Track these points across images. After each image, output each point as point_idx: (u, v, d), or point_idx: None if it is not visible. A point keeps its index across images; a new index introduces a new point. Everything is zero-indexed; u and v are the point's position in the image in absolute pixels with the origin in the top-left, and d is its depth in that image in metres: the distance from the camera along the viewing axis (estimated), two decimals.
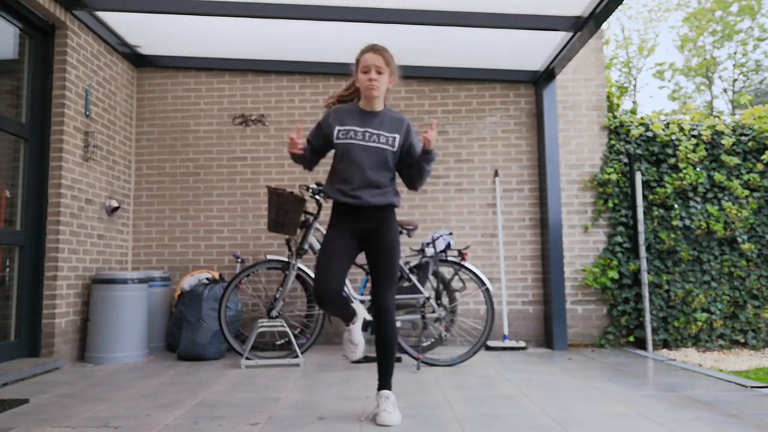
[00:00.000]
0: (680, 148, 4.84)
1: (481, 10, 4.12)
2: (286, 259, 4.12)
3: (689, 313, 4.76)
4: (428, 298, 3.96)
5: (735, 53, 18.12)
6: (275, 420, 2.58)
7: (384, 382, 2.65)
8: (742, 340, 4.78)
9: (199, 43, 4.88)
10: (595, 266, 4.86)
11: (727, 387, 3.23)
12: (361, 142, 2.61)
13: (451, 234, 4.15)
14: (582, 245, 4.95)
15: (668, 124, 5.05)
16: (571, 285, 4.91)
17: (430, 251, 4.04)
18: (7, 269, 3.84)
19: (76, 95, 4.23)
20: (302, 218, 4.14)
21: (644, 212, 4.85)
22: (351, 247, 2.65)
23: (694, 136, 4.96)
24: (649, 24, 21.14)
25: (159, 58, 5.18)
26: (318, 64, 5.15)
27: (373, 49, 2.67)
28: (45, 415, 2.68)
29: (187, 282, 4.54)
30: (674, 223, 4.78)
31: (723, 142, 4.86)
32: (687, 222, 4.80)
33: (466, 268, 4.00)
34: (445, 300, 4.37)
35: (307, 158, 2.73)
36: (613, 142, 4.99)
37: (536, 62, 4.87)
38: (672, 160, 4.89)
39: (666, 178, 4.86)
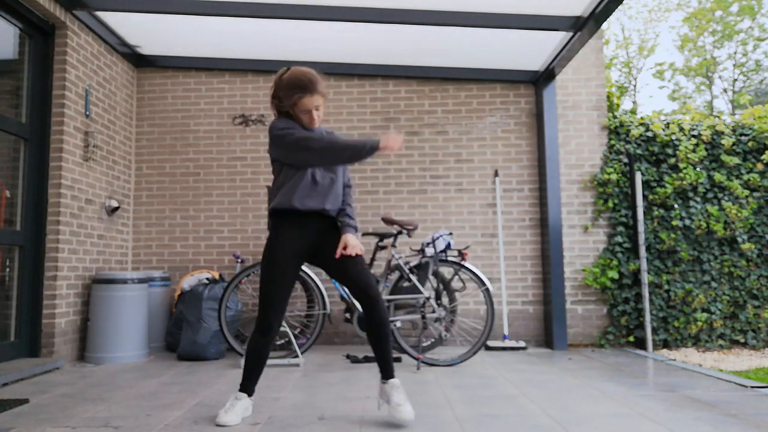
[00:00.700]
0: (680, 148, 4.84)
1: (481, 10, 4.13)
2: None
3: (689, 313, 4.76)
4: (428, 298, 3.96)
5: (735, 53, 18.13)
6: (275, 420, 2.58)
7: (390, 371, 2.59)
8: (742, 340, 4.78)
9: (199, 43, 4.88)
10: (595, 266, 4.86)
11: (727, 387, 3.23)
12: None
13: (451, 234, 4.15)
14: (582, 245, 4.95)
15: (668, 124, 5.05)
16: (571, 285, 4.91)
17: (430, 251, 4.04)
18: (7, 269, 3.84)
19: (76, 95, 4.23)
20: None
21: (644, 212, 4.85)
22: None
23: (694, 136, 4.96)
24: (649, 24, 21.15)
25: (159, 58, 5.18)
26: (318, 64, 5.13)
27: (312, 90, 2.65)
28: (45, 415, 2.68)
29: (187, 282, 4.54)
30: (674, 223, 4.78)
31: (723, 142, 4.86)
32: (687, 222, 4.80)
33: (466, 268, 4.00)
34: (445, 300, 4.38)
35: None
36: (613, 142, 4.99)
37: (536, 62, 4.87)
38: (672, 160, 4.89)
39: (666, 178, 4.86)
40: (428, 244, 4.08)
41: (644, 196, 4.87)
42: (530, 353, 4.50)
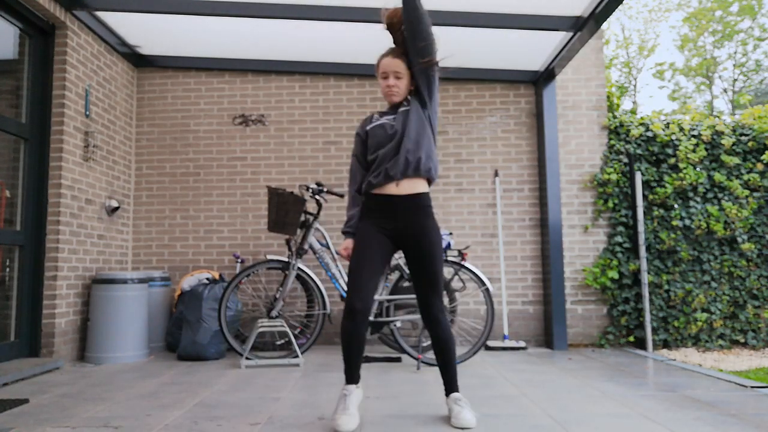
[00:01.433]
0: (680, 148, 4.84)
1: (481, 10, 4.13)
2: (286, 259, 4.12)
3: (689, 313, 4.76)
4: None
5: (735, 53, 18.13)
6: (275, 420, 2.58)
7: (451, 386, 2.61)
8: (742, 340, 4.78)
9: (199, 43, 4.88)
10: (595, 266, 4.86)
11: (727, 387, 3.23)
12: (389, 121, 2.60)
13: (451, 234, 4.15)
14: (582, 245, 4.95)
15: (668, 124, 5.05)
16: (571, 285, 4.91)
17: None
18: (7, 269, 3.84)
19: (76, 95, 4.23)
20: (302, 218, 4.14)
21: (644, 212, 4.85)
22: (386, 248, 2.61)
23: (694, 136, 4.96)
24: (650, 24, 21.17)
25: (159, 58, 5.18)
26: (318, 64, 5.15)
27: (392, 53, 2.62)
28: (45, 415, 2.68)
29: (187, 282, 4.54)
30: (674, 223, 4.78)
31: (723, 142, 4.86)
32: (687, 222, 4.80)
33: (466, 268, 4.00)
34: (445, 300, 4.38)
35: (359, 182, 2.71)
36: (613, 142, 4.99)
37: (536, 62, 4.87)
38: (672, 160, 4.89)
39: (666, 178, 4.86)
40: None
41: (644, 196, 4.87)
42: (530, 353, 4.50)
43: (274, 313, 4.05)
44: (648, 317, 4.60)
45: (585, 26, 4.04)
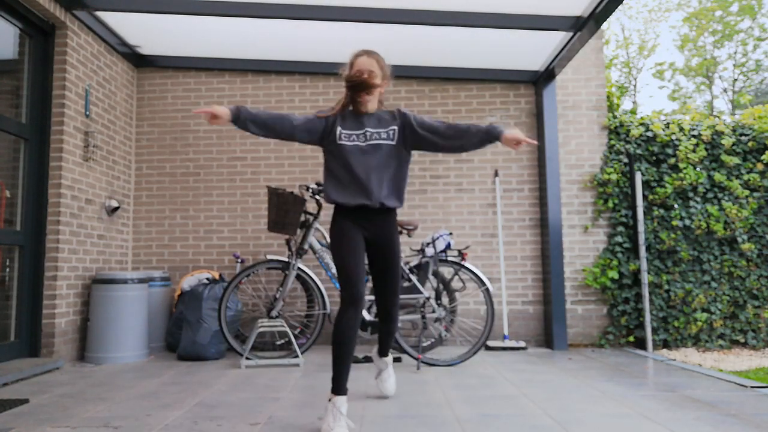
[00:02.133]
0: (680, 148, 4.84)
1: (481, 10, 4.12)
2: (286, 259, 4.12)
3: (689, 313, 4.76)
4: (428, 298, 3.96)
5: (735, 53, 18.12)
6: (275, 420, 2.58)
7: (384, 350, 2.96)
8: (742, 340, 4.78)
9: (199, 43, 4.88)
10: (595, 266, 4.86)
11: (727, 387, 3.23)
12: (360, 144, 2.61)
13: (451, 234, 4.15)
14: (582, 245, 4.95)
15: (668, 124, 5.05)
16: (571, 285, 4.91)
17: (430, 251, 4.04)
18: (7, 269, 3.84)
19: (76, 95, 4.23)
20: (302, 218, 4.14)
21: (644, 212, 4.85)
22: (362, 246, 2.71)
23: (694, 136, 4.96)
24: (650, 24, 21.17)
25: (159, 58, 5.18)
26: (318, 64, 5.15)
27: (366, 53, 2.68)
28: (45, 415, 2.68)
29: (187, 282, 4.54)
30: (674, 223, 4.78)
31: (723, 142, 4.86)
32: (687, 222, 4.80)
33: (466, 268, 4.00)
34: (445, 300, 4.38)
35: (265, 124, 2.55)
36: (613, 142, 4.99)
37: (536, 62, 4.87)
38: (672, 160, 4.89)
39: (666, 178, 4.86)
40: (428, 244, 4.08)
41: (644, 196, 4.87)
42: (530, 353, 4.50)
43: (274, 313, 4.05)
44: (648, 317, 4.60)
45: (585, 26, 4.04)
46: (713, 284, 4.79)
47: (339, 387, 2.44)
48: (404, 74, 5.13)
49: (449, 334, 4.69)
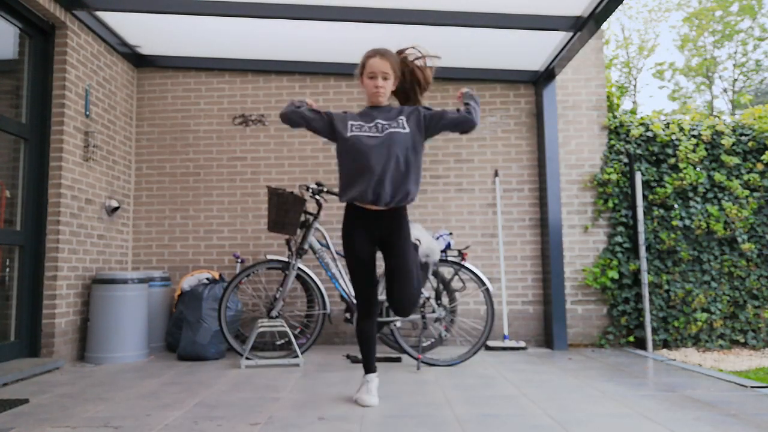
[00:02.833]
0: (680, 148, 4.84)
1: (481, 10, 4.12)
2: (286, 259, 4.12)
3: (689, 313, 4.76)
4: (428, 298, 3.96)
5: (735, 53, 18.12)
6: (275, 420, 2.58)
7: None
8: (742, 340, 4.78)
9: (199, 43, 4.88)
10: (595, 266, 4.86)
11: (727, 387, 3.23)
12: (374, 134, 2.71)
13: (451, 234, 4.15)
14: (582, 245, 4.95)
15: (668, 124, 5.05)
16: (571, 285, 4.91)
17: None
18: (7, 269, 3.84)
19: (76, 95, 4.23)
20: (302, 218, 4.14)
21: (644, 212, 4.85)
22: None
23: (694, 136, 4.96)
24: (649, 24, 21.17)
25: (159, 58, 5.18)
26: (318, 64, 5.15)
27: (380, 54, 2.72)
28: (45, 415, 2.68)
29: (187, 282, 4.54)
30: (674, 223, 4.78)
31: (723, 142, 4.86)
32: (687, 222, 4.80)
33: (466, 268, 4.00)
34: (445, 300, 4.37)
35: (302, 116, 2.81)
36: (613, 142, 4.99)
37: (536, 62, 4.87)
38: (672, 160, 4.89)
39: (666, 178, 4.86)
40: None
41: (644, 196, 4.87)
42: (530, 353, 4.50)
43: (274, 313, 4.05)
44: (648, 317, 4.60)
45: (585, 26, 4.04)
46: (713, 284, 4.79)
47: (369, 367, 2.92)
48: None
49: (449, 334, 4.69)
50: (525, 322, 4.94)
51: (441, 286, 4.07)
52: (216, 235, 5.11)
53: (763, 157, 4.86)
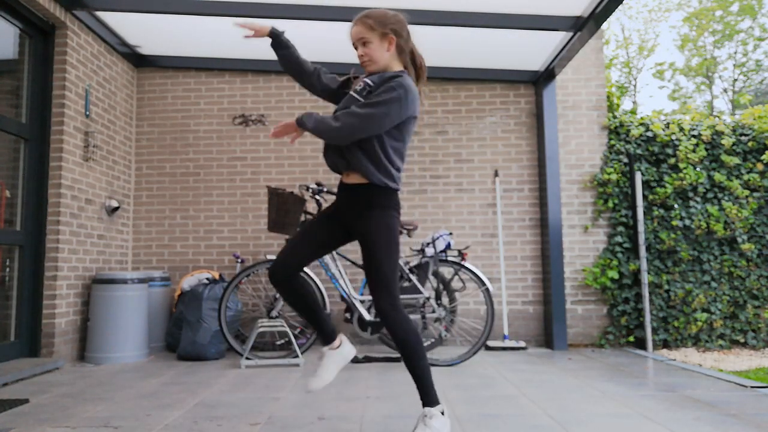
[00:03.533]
0: (680, 148, 4.84)
1: (481, 10, 4.12)
2: None
3: (689, 313, 4.76)
4: (428, 298, 3.96)
5: (735, 53, 18.12)
6: (275, 420, 2.58)
7: (421, 396, 2.19)
8: (742, 340, 4.78)
9: (199, 43, 4.88)
10: (595, 266, 4.86)
11: (727, 387, 3.23)
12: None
13: (451, 234, 4.15)
14: (582, 245, 4.95)
15: (668, 124, 5.05)
16: (571, 285, 4.91)
17: (430, 251, 4.04)
18: (7, 269, 3.84)
19: (76, 95, 4.23)
20: (302, 218, 4.14)
21: (644, 212, 4.85)
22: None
23: (694, 136, 4.96)
24: (650, 24, 21.17)
25: (159, 58, 5.18)
26: (318, 64, 5.14)
27: (356, 20, 2.30)
28: (45, 415, 2.68)
29: (187, 282, 4.54)
30: (674, 223, 4.78)
31: (723, 142, 4.86)
32: (687, 222, 4.80)
33: (466, 268, 4.00)
34: (445, 300, 4.38)
35: (301, 64, 2.58)
36: (613, 142, 4.99)
37: (536, 62, 4.87)
38: (672, 160, 4.89)
39: (666, 178, 4.86)
40: (428, 244, 4.08)
41: (644, 196, 4.87)
42: (530, 353, 4.50)
43: (274, 313, 4.05)
44: (648, 317, 4.60)
45: (585, 26, 4.04)
46: (713, 284, 4.79)
47: (322, 337, 2.43)
48: None
49: (449, 334, 4.69)
50: (525, 322, 4.94)
51: (441, 286, 4.07)
52: (216, 235, 5.11)
53: (763, 157, 4.86)
